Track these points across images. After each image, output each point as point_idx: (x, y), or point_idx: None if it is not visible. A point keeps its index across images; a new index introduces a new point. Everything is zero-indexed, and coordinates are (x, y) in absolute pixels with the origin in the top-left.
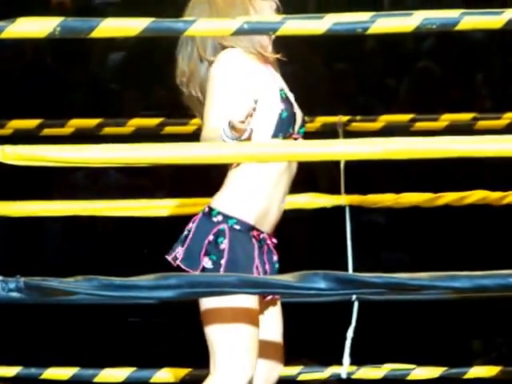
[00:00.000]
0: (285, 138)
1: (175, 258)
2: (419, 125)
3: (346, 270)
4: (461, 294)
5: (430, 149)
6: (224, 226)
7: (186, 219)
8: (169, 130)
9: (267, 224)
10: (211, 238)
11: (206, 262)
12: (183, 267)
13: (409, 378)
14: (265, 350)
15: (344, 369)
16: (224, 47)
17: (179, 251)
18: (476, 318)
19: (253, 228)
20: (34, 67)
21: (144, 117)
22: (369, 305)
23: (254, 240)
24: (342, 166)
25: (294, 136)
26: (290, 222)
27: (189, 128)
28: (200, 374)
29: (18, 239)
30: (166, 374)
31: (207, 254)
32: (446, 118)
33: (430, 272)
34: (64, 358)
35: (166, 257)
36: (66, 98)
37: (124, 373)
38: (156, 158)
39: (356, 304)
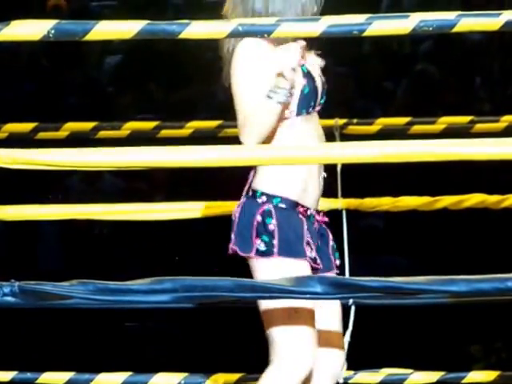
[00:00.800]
0: (308, 113)
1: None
2: (416, 128)
3: (343, 274)
4: (458, 298)
5: (428, 152)
6: (269, 206)
7: (183, 223)
8: (165, 133)
9: (310, 199)
10: (259, 218)
11: (259, 244)
12: (239, 253)
13: (406, 382)
14: (326, 338)
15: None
16: None
17: (232, 238)
18: (474, 323)
19: (297, 204)
20: (28, 70)
21: (139, 120)
22: (366, 309)
23: (301, 216)
24: (338, 169)
25: (316, 109)
26: None
27: (185, 131)
28: (195, 379)
29: (14, 243)
30: (162, 378)
31: (258, 235)
32: (444, 121)
33: (428, 276)
34: (60, 363)
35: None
36: (60, 102)
37: (120, 377)
38: (154, 161)
39: (353, 308)
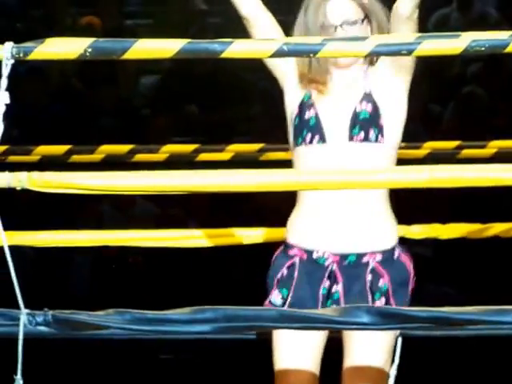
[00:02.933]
0: (307, 143)
1: None
2: (466, 152)
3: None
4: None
5: (480, 177)
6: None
7: (219, 250)
8: (204, 156)
9: (316, 239)
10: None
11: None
12: None
13: None
14: None
15: None
16: None
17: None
18: None
19: (292, 246)
20: (60, 91)
21: (177, 143)
22: (413, 341)
23: (290, 259)
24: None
25: (328, 143)
26: None
27: (225, 155)
28: None
29: (44, 270)
30: None
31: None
32: (494, 145)
33: (479, 306)
34: None
35: None
36: (95, 124)
37: None
38: (194, 185)
39: (400, 340)
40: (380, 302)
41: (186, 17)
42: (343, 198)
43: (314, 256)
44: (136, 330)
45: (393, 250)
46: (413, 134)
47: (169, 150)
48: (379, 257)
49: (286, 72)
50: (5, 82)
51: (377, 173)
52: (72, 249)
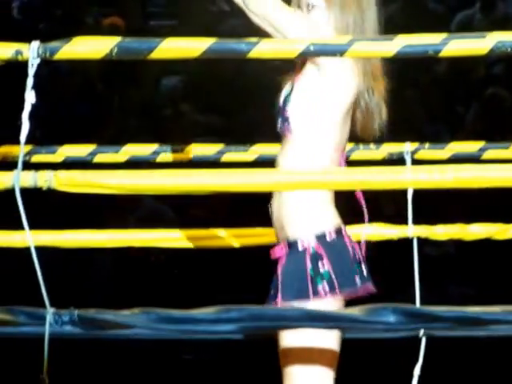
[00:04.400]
0: None
1: None
2: (490, 153)
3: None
4: None
5: (504, 177)
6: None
7: (241, 251)
8: (228, 157)
9: None
10: None
11: None
12: None
13: None
14: None
15: None
16: None
17: None
18: None
19: None
20: (83, 92)
21: (201, 143)
22: (437, 341)
23: None
24: (409, 195)
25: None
26: None
27: (249, 156)
28: None
29: (68, 270)
30: None
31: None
32: None
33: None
34: None
35: None
36: (119, 124)
37: None
38: (218, 185)
39: (424, 340)
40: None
41: (209, 18)
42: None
43: None
44: (162, 329)
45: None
46: (436, 134)
47: (193, 150)
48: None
49: None
50: (31, 81)
51: (401, 172)
52: (94, 248)
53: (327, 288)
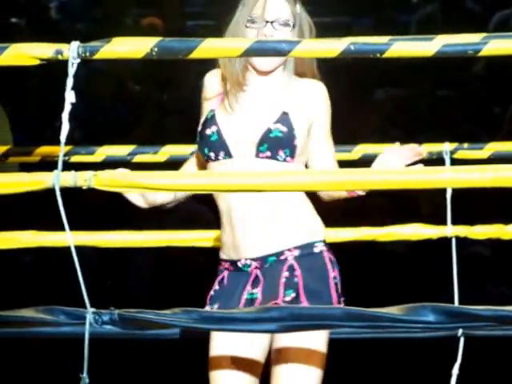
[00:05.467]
0: (215, 160)
1: None
2: None
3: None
4: None
5: None
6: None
7: None
8: None
9: (231, 249)
10: None
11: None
12: None
13: None
14: None
15: None
16: None
17: None
18: None
19: (221, 260)
20: (125, 93)
21: None
22: (476, 341)
23: (221, 271)
24: (448, 194)
25: (233, 158)
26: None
27: None
28: None
29: (106, 270)
30: None
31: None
32: None
33: None
34: None
35: None
36: (159, 124)
37: None
38: (256, 185)
39: (462, 339)
40: (290, 298)
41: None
42: (254, 202)
43: (239, 265)
44: (203, 328)
45: (311, 245)
46: (473, 135)
47: None
48: (296, 252)
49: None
50: (71, 81)
51: (440, 171)
52: (133, 248)
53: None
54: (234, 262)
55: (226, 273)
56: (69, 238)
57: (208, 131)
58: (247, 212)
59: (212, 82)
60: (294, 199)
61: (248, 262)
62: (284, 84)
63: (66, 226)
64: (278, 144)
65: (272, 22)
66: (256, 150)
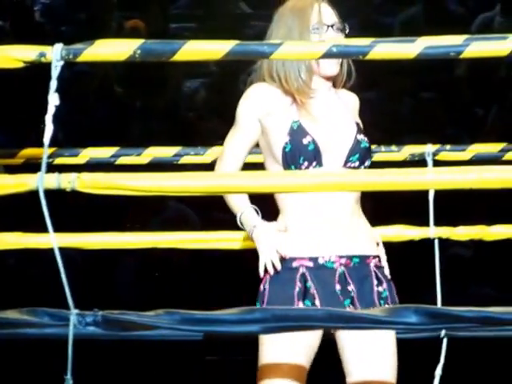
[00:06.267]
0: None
1: None
2: (511, 155)
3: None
4: None
5: None
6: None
7: None
8: (251, 159)
9: (320, 245)
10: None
11: None
12: None
13: None
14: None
15: None
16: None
17: None
18: None
19: (292, 259)
20: (108, 95)
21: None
22: (459, 342)
23: (294, 271)
24: (431, 196)
25: (324, 166)
26: None
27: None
28: None
29: (91, 272)
30: None
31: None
32: None
33: None
34: None
35: None
36: (142, 127)
37: None
38: (239, 186)
39: (445, 340)
40: None
41: (231, 20)
42: (341, 198)
43: (321, 261)
44: (185, 330)
45: (378, 258)
46: (456, 137)
47: (215, 152)
48: (376, 261)
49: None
50: (54, 83)
51: (423, 173)
52: (117, 250)
53: None
54: (313, 259)
55: (303, 269)
56: (52, 240)
57: (304, 141)
58: (335, 209)
59: (271, 95)
60: (358, 201)
61: (333, 258)
62: (336, 91)
63: (50, 228)
64: (365, 154)
65: (332, 26)
66: (346, 160)
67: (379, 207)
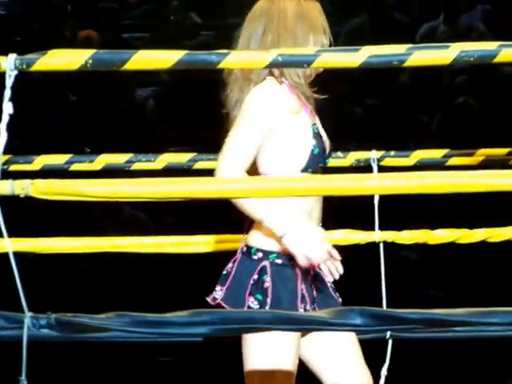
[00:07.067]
0: (313, 172)
1: (214, 299)
2: (454, 160)
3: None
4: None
5: (468, 183)
6: (265, 263)
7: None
8: (200, 165)
9: None
10: (255, 276)
11: (252, 302)
12: (225, 306)
13: None
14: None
15: None
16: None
17: (218, 291)
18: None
19: (293, 258)
20: (61, 103)
21: (174, 152)
22: (404, 343)
23: (298, 271)
24: (376, 201)
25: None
26: None
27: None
28: None
29: (45, 275)
30: None
31: (252, 293)
32: (482, 153)
33: (469, 308)
34: None
35: (206, 298)
36: (94, 134)
37: None
38: (191, 191)
39: (390, 342)
40: None
41: (182, 30)
42: (320, 205)
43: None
44: (135, 332)
45: None
46: (401, 143)
47: (166, 159)
48: None
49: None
50: (8, 92)
51: (367, 179)
52: (72, 253)
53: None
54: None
55: (298, 271)
56: (7, 245)
57: (321, 145)
58: (319, 209)
59: (287, 99)
60: None
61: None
62: None
63: (5, 233)
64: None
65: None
66: (325, 162)
67: (327, 212)
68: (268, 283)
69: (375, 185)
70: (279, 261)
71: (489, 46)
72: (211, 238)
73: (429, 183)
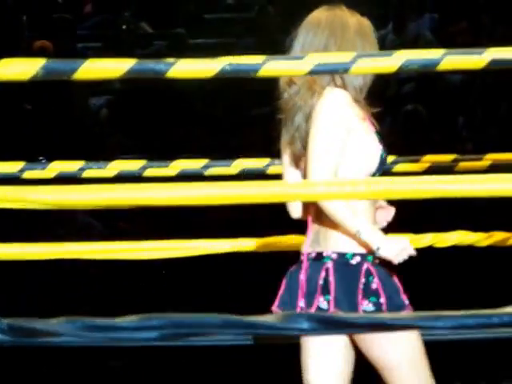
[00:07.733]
0: (379, 176)
1: (319, 309)
2: (401, 166)
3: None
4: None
5: (414, 189)
6: (367, 265)
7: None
8: (151, 172)
9: None
10: (363, 280)
11: (367, 305)
12: None
13: None
14: None
15: None
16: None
17: (322, 301)
18: (459, 361)
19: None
20: (16, 112)
21: (125, 159)
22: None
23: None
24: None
25: None
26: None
27: (170, 171)
28: None
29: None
30: None
31: (366, 297)
32: (428, 160)
33: (414, 312)
34: None
35: (309, 310)
36: (47, 142)
37: None
38: (147, 198)
39: None
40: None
41: (134, 39)
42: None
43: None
44: (86, 336)
45: None
46: None
47: (117, 166)
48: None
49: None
50: None
51: (315, 186)
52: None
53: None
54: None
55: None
56: None
57: (384, 151)
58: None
59: (354, 106)
60: None
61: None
62: None
63: None
64: None
65: None
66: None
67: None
68: (375, 284)
69: (322, 191)
70: (377, 261)
71: (433, 54)
72: (167, 244)
73: (374, 190)
